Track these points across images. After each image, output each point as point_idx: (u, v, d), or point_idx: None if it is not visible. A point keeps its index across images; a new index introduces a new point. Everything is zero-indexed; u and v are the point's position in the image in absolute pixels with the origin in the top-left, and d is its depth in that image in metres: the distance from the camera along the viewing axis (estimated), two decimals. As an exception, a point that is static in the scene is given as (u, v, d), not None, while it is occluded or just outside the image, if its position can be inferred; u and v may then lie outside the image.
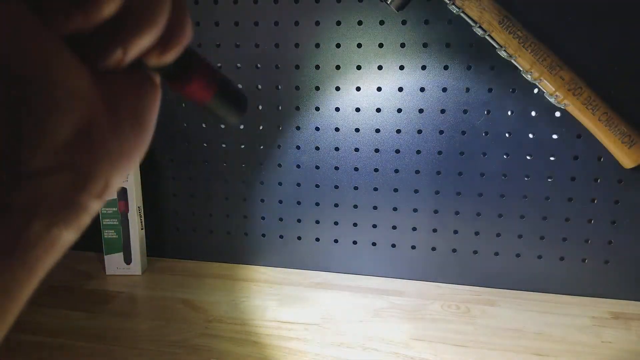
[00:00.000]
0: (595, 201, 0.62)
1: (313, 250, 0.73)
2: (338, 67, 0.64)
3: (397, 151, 0.65)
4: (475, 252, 0.67)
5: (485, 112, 0.62)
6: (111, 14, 0.15)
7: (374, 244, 0.70)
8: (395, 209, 0.68)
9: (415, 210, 0.67)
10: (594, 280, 0.64)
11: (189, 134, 0.71)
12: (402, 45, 0.62)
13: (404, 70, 0.62)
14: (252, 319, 0.60)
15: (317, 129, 0.67)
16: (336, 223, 0.71)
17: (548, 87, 0.55)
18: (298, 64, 0.65)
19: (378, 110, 0.64)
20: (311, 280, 0.70)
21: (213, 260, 0.76)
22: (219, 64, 0.67)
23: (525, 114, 0.61)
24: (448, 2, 0.55)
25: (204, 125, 0.70)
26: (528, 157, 0.62)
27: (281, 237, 0.73)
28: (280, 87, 0.67)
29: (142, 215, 0.72)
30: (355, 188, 0.68)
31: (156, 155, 0.73)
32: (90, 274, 0.72)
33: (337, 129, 0.66)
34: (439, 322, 0.59)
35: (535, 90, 0.59)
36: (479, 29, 0.55)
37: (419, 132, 0.64)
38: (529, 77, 0.55)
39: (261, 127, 0.69)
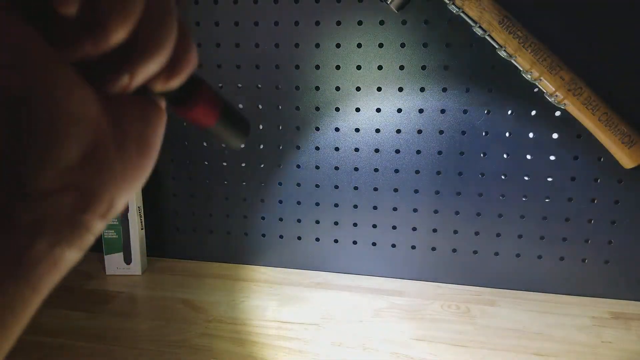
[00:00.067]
0: (595, 201, 0.62)
1: (313, 250, 0.73)
2: (338, 67, 0.64)
3: (397, 151, 0.66)
4: (475, 252, 0.67)
5: (485, 112, 0.62)
6: (119, 42, 0.15)
7: (374, 244, 0.70)
8: (395, 209, 0.68)
9: (415, 210, 0.67)
10: (594, 280, 0.64)
11: (188, 134, 0.71)
12: (402, 45, 0.62)
13: (404, 70, 0.62)
14: (252, 319, 0.60)
15: (317, 129, 0.67)
16: (336, 223, 0.71)
17: (548, 87, 0.55)
18: (298, 64, 0.65)
19: (378, 110, 0.64)
20: (311, 280, 0.70)
21: (213, 260, 0.76)
22: (219, 64, 0.67)
23: (525, 114, 0.61)
24: (448, 2, 0.55)
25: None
26: (528, 157, 0.62)
27: (281, 237, 0.73)
28: (280, 87, 0.67)
29: (142, 215, 0.72)
30: (355, 188, 0.68)
31: (156, 155, 0.73)
32: (90, 274, 0.72)
33: (337, 129, 0.66)
34: (439, 322, 0.59)
35: (535, 90, 0.59)
36: (479, 29, 0.55)
37: (419, 132, 0.64)
38: (529, 77, 0.55)
39: (261, 127, 0.69)
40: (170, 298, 0.65)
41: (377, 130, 0.65)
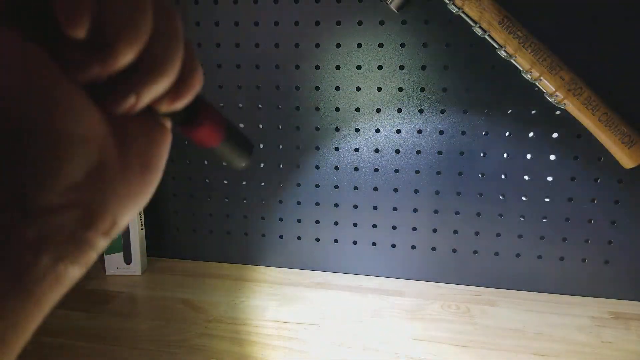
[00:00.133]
0: (595, 201, 0.62)
1: (313, 250, 0.73)
2: (338, 67, 0.64)
3: (397, 151, 0.66)
4: (475, 252, 0.67)
5: (485, 112, 0.62)
6: (127, 64, 0.15)
7: (374, 244, 0.70)
8: (395, 209, 0.68)
9: (415, 210, 0.67)
10: (594, 280, 0.64)
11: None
12: (402, 45, 0.62)
13: (404, 70, 0.62)
14: (252, 319, 0.60)
15: (317, 129, 0.67)
16: (336, 223, 0.71)
17: (548, 87, 0.55)
18: (298, 64, 0.65)
19: (378, 110, 0.64)
20: (311, 280, 0.70)
21: (213, 260, 0.76)
22: (219, 64, 0.67)
23: (525, 113, 0.61)
24: (448, 2, 0.55)
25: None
26: (528, 157, 0.62)
27: (281, 237, 0.73)
28: (280, 87, 0.67)
29: (142, 215, 0.72)
30: (355, 188, 0.68)
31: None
32: (90, 274, 0.72)
33: (337, 129, 0.66)
34: (439, 322, 0.59)
35: (535, 90, 0.59)
36: (479, 29, 0.55)
37: (419, 132, 0.64)
38: (528, 77, 0.55)
39: (260, 126, 0.69)
40: (170, 298, 0.65)
41: (377, 131, 0.65)
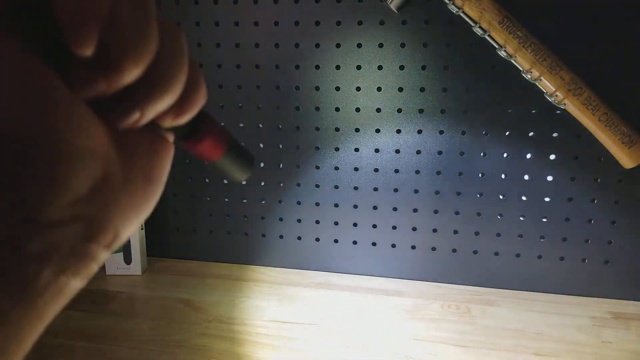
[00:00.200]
0: (595, 201, 0.62)
1: (313, 250, 0.73)
2: (338, 67, 0.64)
3: (397, 151, 0.66)
4: (475, 252, 0.67)
5: (485, 112, 0.62)
6: (133, 81, 0.16)
7: (374, 244, 0.70)
8: (395, 209, 0.68)
9: (415, 210, 0.67)
10: (594, 280, 0.64)
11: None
12: (402, 45, 0.62)
13: (404, 70, 0.62)
14: (252, 319, 0.60)
15: (317, 129, 0.67)
16: (336, 223, 0.71)
17: (548, 87, 0.55)
18: (298, 64, 0.65)
19: (378, 110, 0.64)
20: (311, 280, 0.70)
21: (213, 260, 0.76)
22: (219, 64, 0.67)
23: (525, 113, 0.61)
24: (448, 2, 0.55)
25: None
26: (528, 157, 0.62)
27: (281, 237, 0.73)
28: (280, 87, 0.67)
29: (142, 215, 0.72)
30: (355, 188, 0.68)
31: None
32: (90, 274, 0.72)
33: (337, 129, 0.66)
34: (439, 322, 0.59)
35: (535, 90, 0.59)
36: (479, 29, 0.55)
37: (419, 132, 0.64)
38: (528, 77, 0.55)
39: (260, 126, 0.69)
40: (170, 298, 0.65)
41: (377, 131, 0.65)
